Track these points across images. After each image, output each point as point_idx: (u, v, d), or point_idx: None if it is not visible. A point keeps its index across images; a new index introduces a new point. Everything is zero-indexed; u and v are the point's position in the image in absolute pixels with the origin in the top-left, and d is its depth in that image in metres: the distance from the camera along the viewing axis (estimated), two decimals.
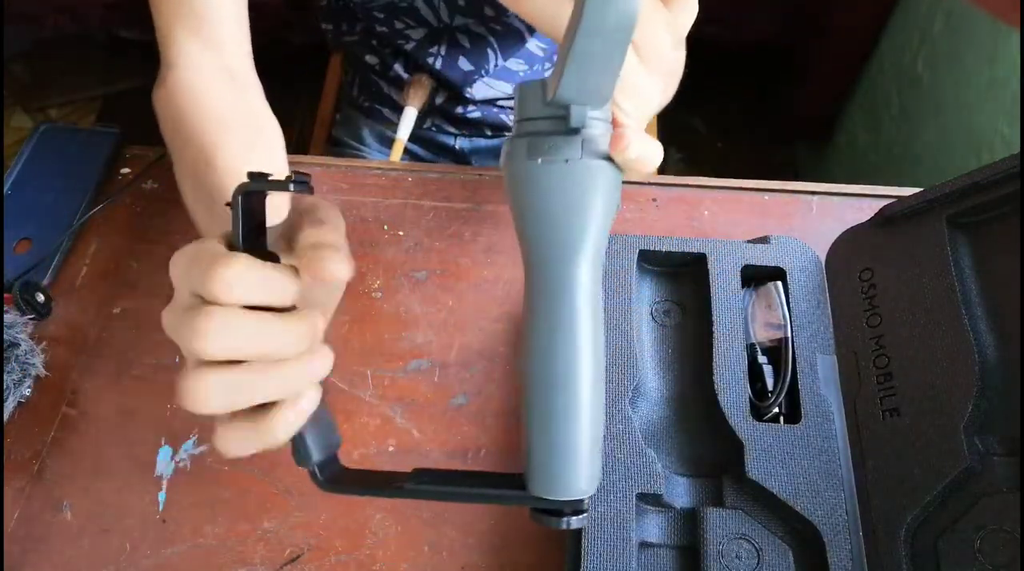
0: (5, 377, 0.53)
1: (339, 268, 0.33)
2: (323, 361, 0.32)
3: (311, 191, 0.33)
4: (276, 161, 0.52)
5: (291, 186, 0.31)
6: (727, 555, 0.42)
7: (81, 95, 1.67)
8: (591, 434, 0.31)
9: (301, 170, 0.65)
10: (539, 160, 0.30)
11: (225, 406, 0.30)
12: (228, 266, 0.29)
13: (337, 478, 0.34)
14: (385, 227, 0.62)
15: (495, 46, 0.79)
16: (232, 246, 0.32)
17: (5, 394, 0.52)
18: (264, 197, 0.34)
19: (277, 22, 1.62)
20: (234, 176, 0.46)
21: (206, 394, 0.29)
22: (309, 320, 0.31)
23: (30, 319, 0.57)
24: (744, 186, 0.63)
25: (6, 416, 0.53)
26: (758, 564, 0.43)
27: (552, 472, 0.30)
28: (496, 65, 0.80)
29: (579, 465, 0.30)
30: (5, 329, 0.54)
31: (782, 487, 0.44)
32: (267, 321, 0.30)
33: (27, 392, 0.54)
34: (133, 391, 0.55)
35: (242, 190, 0.32)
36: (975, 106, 1.05)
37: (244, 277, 0.30)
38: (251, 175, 0.32)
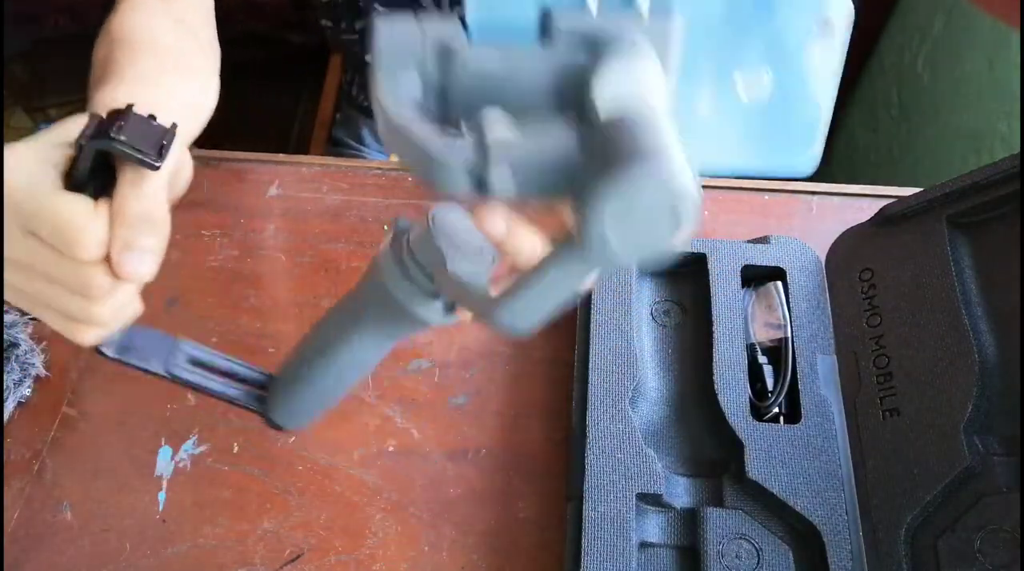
0: (5, 377, 0.53)
1: (140, 271, 0.33)
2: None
3: (155, 168, 0.32)
4: (192, 93, 0.48)
5: (144, 160, 0.31)
6: (727, 555, 0.42)
7: (81, 95, 1.67)
8: (328, 402, 0.42)
9: (303, 173, 0.65)
10: (415, 309, 0.33)
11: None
12: (87, 235, 0.31)
13: (124, 347, 0.39)
14: (385, 227, 0.62)
15: None
16: (70, 184, 0.32)
17: (5, 394, 0.52)
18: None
19: (277, 22, 1.62)
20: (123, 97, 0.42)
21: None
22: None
23: (30, 319, 0.57)
24: (744, 186, 0.63)
25: (6, 416, 0.53)
26: (758, 564, 0.43)
27: (290, 415, 0.41)
28: None
29: (308, 418, 0.42)
30: (5, 329, 0.54)
31: (782, 487, 0.44)
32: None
33: (27, 392, 0.54)
34: (133, 391, 0.55)
35: (90, 140, 0.31)
36: (975, 106, 1.05)
37: (99, 240, 0.32)
38: (103, 124, 0.31)
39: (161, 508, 0.50)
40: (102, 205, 0.33)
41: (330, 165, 0.66)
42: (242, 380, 0.42)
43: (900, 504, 0.41)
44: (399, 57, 0.27)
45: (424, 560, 0.47)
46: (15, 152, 0.32)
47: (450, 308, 0.34)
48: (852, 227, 0.53)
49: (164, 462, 0.52)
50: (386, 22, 0.27)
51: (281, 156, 0.67)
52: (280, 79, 1.64)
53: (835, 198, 0.62)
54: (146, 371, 0.39)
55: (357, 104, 0.93)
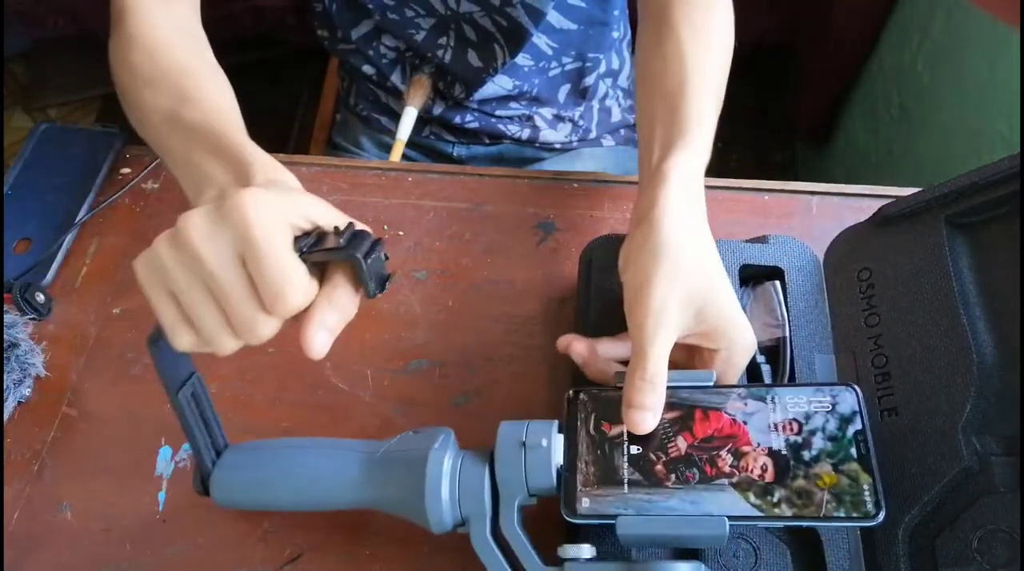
0: (5, 377, 0.53)
1: (324, 349, 0.38)
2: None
3: (370, 297, 0.38)
4: (236, 114, 0.52)
5: (370, 291, 0.38)
6: (725, 554, 0.42)
7: (81, 95, 1.67)
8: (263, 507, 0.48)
9: (303, 173, 0.65)
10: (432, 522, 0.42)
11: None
12: (295, 300, 0.36)
13: (158, 344, 0.41)
14: (385, 227, 0.62)
15: (501, 42, 0.78)
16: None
17: (5, 394, 0.53)
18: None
19: (278, 24, 1.62)
20: (214, 115, 0.47)
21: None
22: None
23: (30, 319, 0.57)
24: (744, 186, 0.63)
25: (6, 416, 0.53)
26: (756, 563, 0.43)
27: (227, 498, 0.45)
28: (504, 62, 0.80)
29: (238, 508, 0.47)
30: (5, 329, 0.54)
31: None
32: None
33: (27, 392, 0.54)
34: (133, 391, 0.55)
35: (358, 257, 0.36)
36: (975, 106, 1.05)
37: (299, 307, 0.36)
38: (354, 243, 0.36)
39: (161, 508, 0.50)
40: (314, 282, 0.37)
41: (330, 165, 0.66)
42: (211, 437, 0.45)
43: (898, 504, 0.41)
44: (511, 474, 0.40)
45: (424, 560, 0.48)
46: (266, 198, 0.36)
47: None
48: (851, 226, 0.53)
49: (164, 462, 0.52)
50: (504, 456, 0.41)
51: (281, 156, 0.66)
52: (280, 80, 1.64)
53: (834, 198, 0.62)
54: (159, 374, 0.40)
55: (355, 112, 0.92)
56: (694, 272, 0.42)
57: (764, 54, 1.63)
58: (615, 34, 0.84)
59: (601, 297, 0.51)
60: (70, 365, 0.56)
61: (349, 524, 0.49)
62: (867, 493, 0.36)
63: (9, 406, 0.53)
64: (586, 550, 0.38)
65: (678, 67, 0.51)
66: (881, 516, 0.36)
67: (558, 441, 0.41)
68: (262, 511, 0.49)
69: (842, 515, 0.36)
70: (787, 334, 0.49)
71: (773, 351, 0.49)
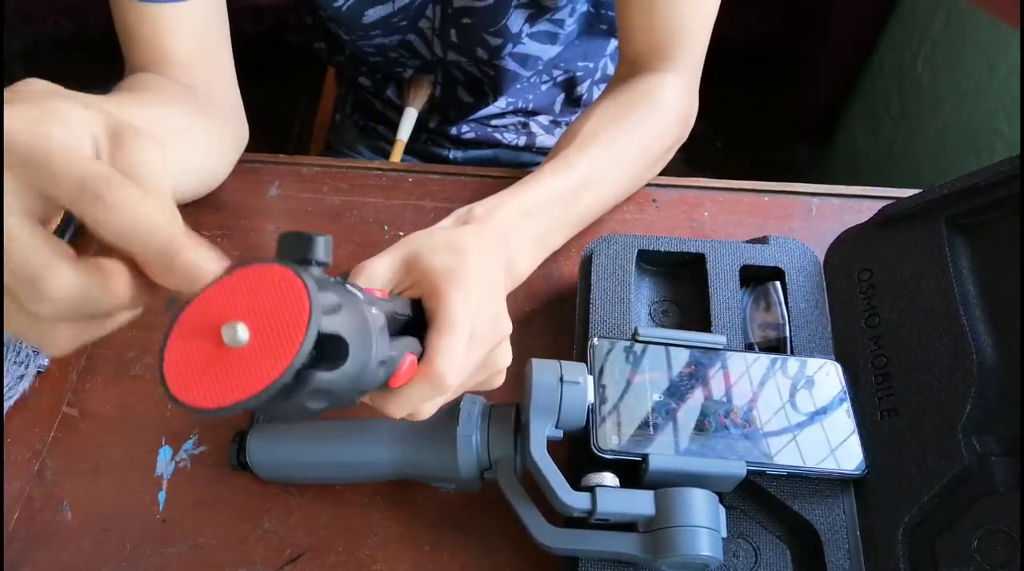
0: (26, 345, 0.53)
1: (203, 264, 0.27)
2: None
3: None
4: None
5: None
6: (725, 554, 0.42)
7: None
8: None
9: (303, 173, 0.65)
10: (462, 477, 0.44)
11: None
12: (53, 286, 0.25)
13: None
14: (385, 227, 0.62)
15: (491, 85, 0.79)
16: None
17: (25, 361, 0.53)
18: None
19: (278, 23, 1.62)
20: None
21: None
22: None
23: None
24: (744, 187, 0.63)
25: (27, 386, 0.53)
26: (756, 563, 0.43)
27: (270, 473, 0.49)
28: (494, 99, 0.80)
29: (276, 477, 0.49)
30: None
31: (780, 486, 0.44)
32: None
33: (45, 362, 0.55)
34: (133, 391, 0.55)
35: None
36: (975, 106, 1.05)
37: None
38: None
39: (161, 508, 0.50)
40: None
41: (330, 166, 0.66)
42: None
43: (898, 504, 0.41)
44: (546, 405, 0.41)
45: (424, 560, 0.48)
46: None
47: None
48: (851, 227, 0.53)
49: (164, 462, 0.52)
50: (539, 371, 0.42)
51: (281, 156, 0.67)
52: (280, 80, 1.65)
53: (835, 199, 0.62)
54: None
55: (353, 120, 0.92)
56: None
57: (764, 54, 1.63)
58: (606, 44, 0.84)
59: (601, 297, 0.51)
60: (70, 365, 0.56)
61: (349, 524, 0.49)
62: (853, 448, 0.43)
63: (31, 374, 0.54)
64: (609, 478, 0.41)
65: (576, 155, 0.54)
66: (863, 468, 0.43)
67: (590, 381, 0.44)
68: (289, 481, 0.50)
69: (833, 467, 0.43)
70: (787, 335, 0.49)
71: (773, 352, 0.49)
